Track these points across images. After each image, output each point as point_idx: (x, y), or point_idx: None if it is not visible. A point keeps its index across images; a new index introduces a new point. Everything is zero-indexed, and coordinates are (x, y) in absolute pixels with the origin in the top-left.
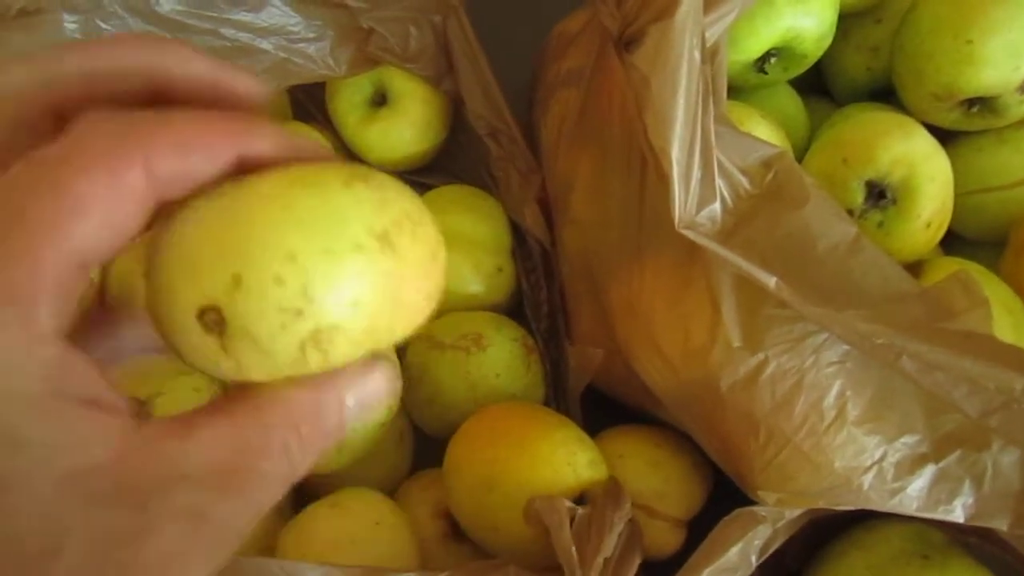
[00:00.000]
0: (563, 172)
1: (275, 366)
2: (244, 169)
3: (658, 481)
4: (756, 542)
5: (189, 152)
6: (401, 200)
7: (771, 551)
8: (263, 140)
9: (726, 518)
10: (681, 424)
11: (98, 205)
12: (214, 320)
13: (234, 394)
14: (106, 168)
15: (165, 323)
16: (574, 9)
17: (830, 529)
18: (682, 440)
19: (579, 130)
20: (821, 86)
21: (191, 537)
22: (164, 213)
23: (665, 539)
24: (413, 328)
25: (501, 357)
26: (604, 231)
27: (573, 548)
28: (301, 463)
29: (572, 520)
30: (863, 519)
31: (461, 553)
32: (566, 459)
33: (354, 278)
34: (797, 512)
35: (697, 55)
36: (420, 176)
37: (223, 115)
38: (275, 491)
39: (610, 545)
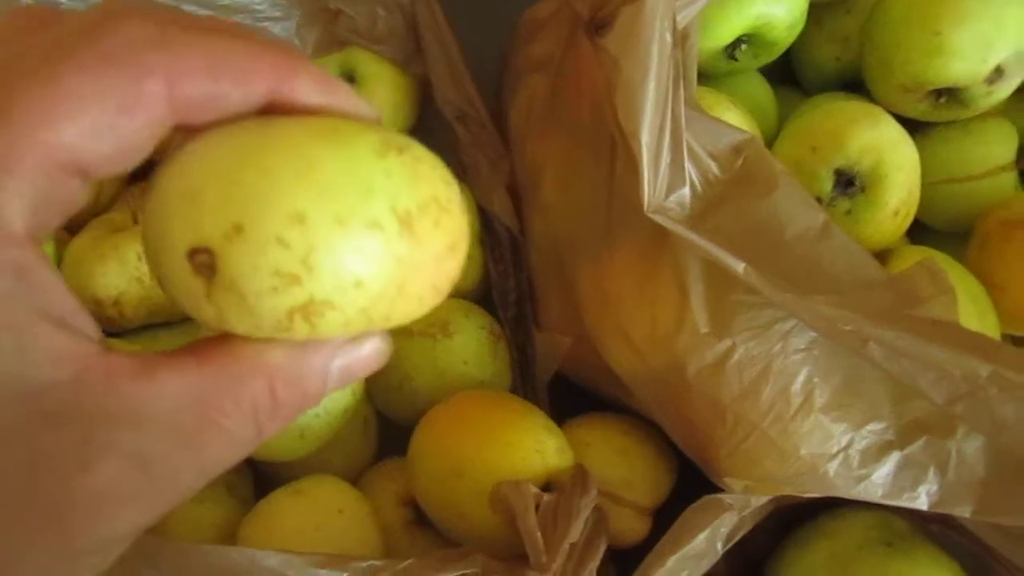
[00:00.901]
0: (532, 158)
1: (257, 326)
2: (276, 110)
3: (625, 469)
4: (722, 529)
5: (221, 76)
6: (433, 181)
7: (737, 538)
8: (305, 82)
9: (692, 505)
10: (648, 412)
11: (96, 107)
12: (204, 263)
13: (211, 341)
14: (118, 69)
15: (155, 251)
16: None
17: (795, 517)
18: (649, 428)
19: (548, 116)
20: (790, 75)
21: (130, 481)
22: (181, 139)
23: (631, 527)
24: (413, 319)
25: (468, 344)
26: (573, 217)
27: (539, 533)
28: (268, 426)
29: (538, 506)
30: (828, 507)
31: (425, 540)
32: (534, 447)
33: (363, 256)
34: (763, 500)
35: (668, 38)
36: None
37: (268, 44)
38: (235, 452)
39: (576, 530)
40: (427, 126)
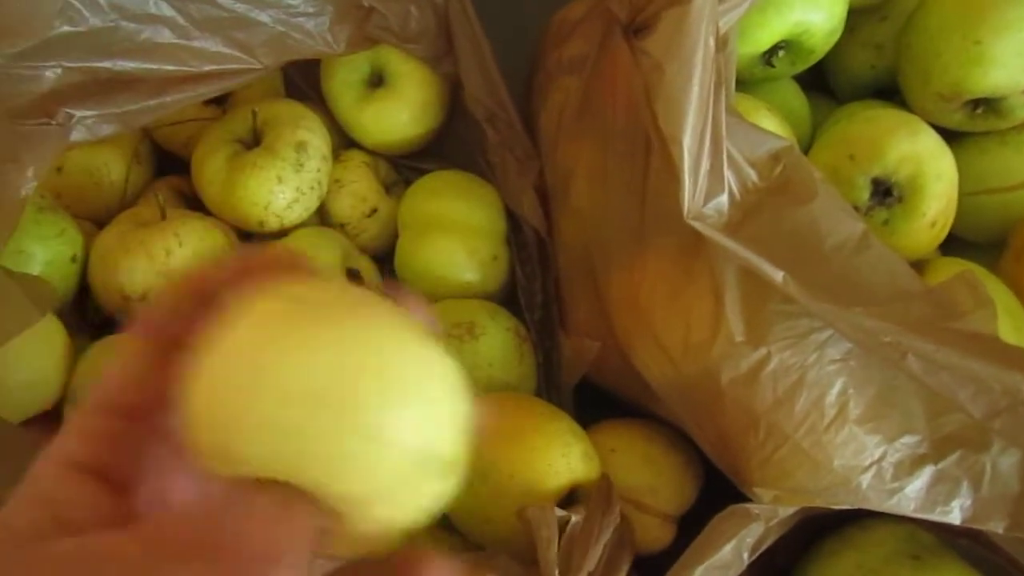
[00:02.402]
0: (563, 161)
1: None
2: None
3: (650, 476)
4: (748, 539)
5: None
6: None
7: (763, 548)
8: None
9: (719, 515)
10: (677, 418)
11: None
12: None
13: None
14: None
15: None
16: None
17: (821, 527)
18: (674, 435)
19: (580, 118)
20: (823, 83)
21: None
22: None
23: (655, 535)
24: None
25: (495, 346)
26: (605, 221)
27: (556, 570)
28: None
29: (562, 530)
30: (854, 518)
31: (449, 544)
32: (560, 451)
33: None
34: (790, 510)
35: (712, 43)
36: (415, 160)
37: None
38: None
39: (594, 559)
40: (455, 126)
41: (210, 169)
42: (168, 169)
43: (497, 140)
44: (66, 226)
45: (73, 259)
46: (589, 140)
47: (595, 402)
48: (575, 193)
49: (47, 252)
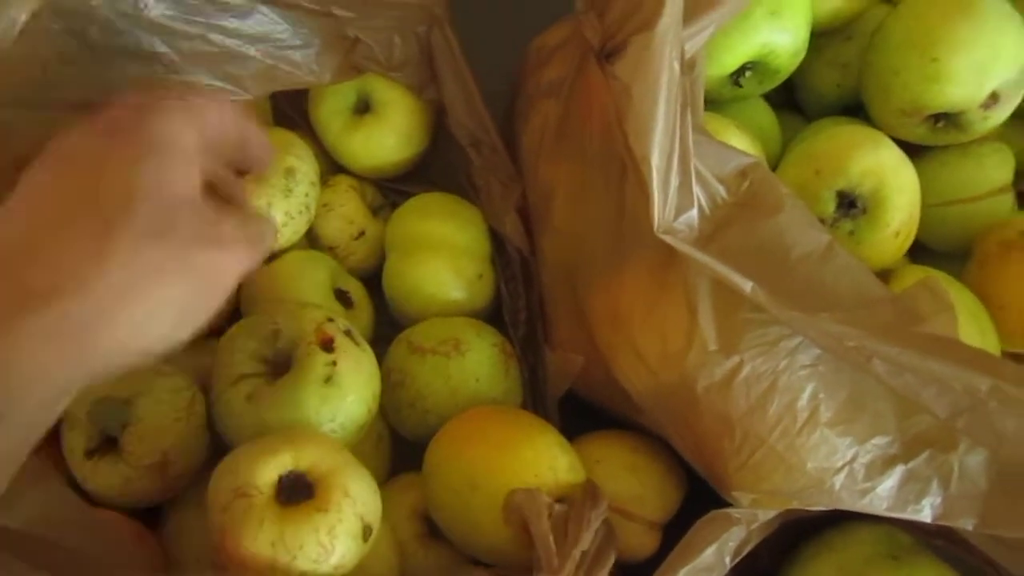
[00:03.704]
0: (543, 182)
1: None
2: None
3: (634, 485)
4: (730, 543)
5: None
6: None
7: (745, 552)
8: None
9: (701, 520)
10: (658, 428)
11: None
12: None
13: None
14: None
15: None
16: (555, 22)
17: (802, 531)
18: (657, 444)
19: (559, 141)
20: (793, 101)
21: None
22: None
23: (641, 541)
24: None
25: (480, 362)
26: (584, 239)
27: (551, 537)
28: None
29: (550, 515)
30: (835, 521)
31: (440, 553)
32: (547, 463)
33: None
34: (770, 514)
35: (677, 66)
36: (401, 184)
37: None
38: None
39: (587, 539)
40: (440, 150)
41: None
42: None
43: (481, 163)
44: None
45: None
46: (568, 162)
47: (580, 413)
48: (556, 213)
49: None
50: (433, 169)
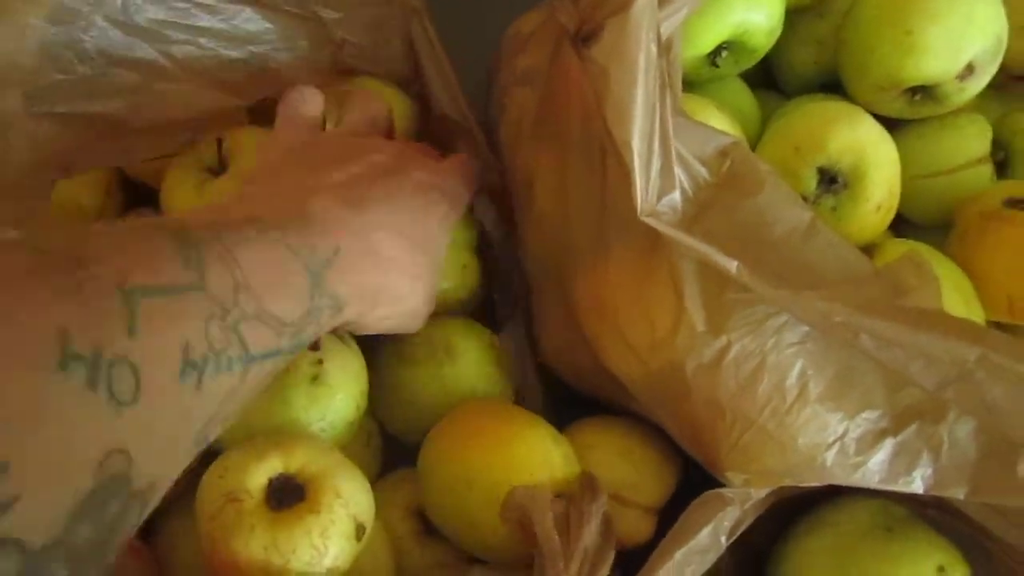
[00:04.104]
0: (524, 170)
1: None
2: None
3: (629, 470)
4: (725, 523)
5: None
6: None
7: (740, 531)
8: None
9: (695, 501)
10: (651, 414)
11: None
12: None
13: None
14: None
15: None
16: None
17: (796, 508)
18: (651, 429)
19: (537, 128)
20: (771, 80)
21: None
22: None
23: (636, 527)
24: None
25: (475, 363)
26: (567, 226)
27: (556, 536)
28: None
29: (553, 511)
30: (829, 497)
31: (435, 550)
32: (542, 458)
33: None
34: (764, 493)
35: (654, 48)
36: None
37: None
38: None
39: (590, 535)
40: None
41: (179, 199)
42: (139, 197)
43: (468, 150)
44: None
45: None
46: (547, 149)
47: (570, 402)
48: (538, 200)
49: None
50: None
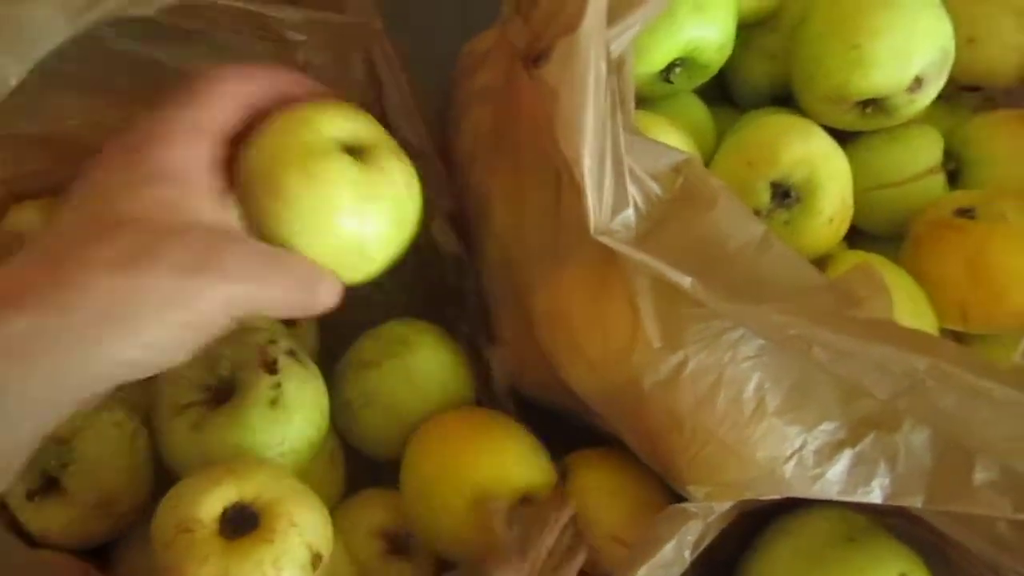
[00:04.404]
0: (479, 187)
1: None
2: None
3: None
4: (689, 537)
5: None
6: None
7: (704, 545)
8: None
9: (658, 515)
10: (609, 427)
11: None
12: None
13: None
14: None
15: None
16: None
17: (759, 520)
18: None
19: (493, 146)
20: (725, 94)
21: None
22: None
23: None
24: None
25: (430, 351)
26: (524, 242)
27: (514, 537)
28: None
29: (514, 515)
30: (791, 507)
31: (402, 569)
32: (515, 460)
33: None
34: (726, 505)
35: (603, 66)
36: None
37: None
38: None
39: (550, 538)
40: None
41: None
42: None
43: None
44: None
45: None
46: (503, 166)
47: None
48: (495, 217)
49: None
50: None
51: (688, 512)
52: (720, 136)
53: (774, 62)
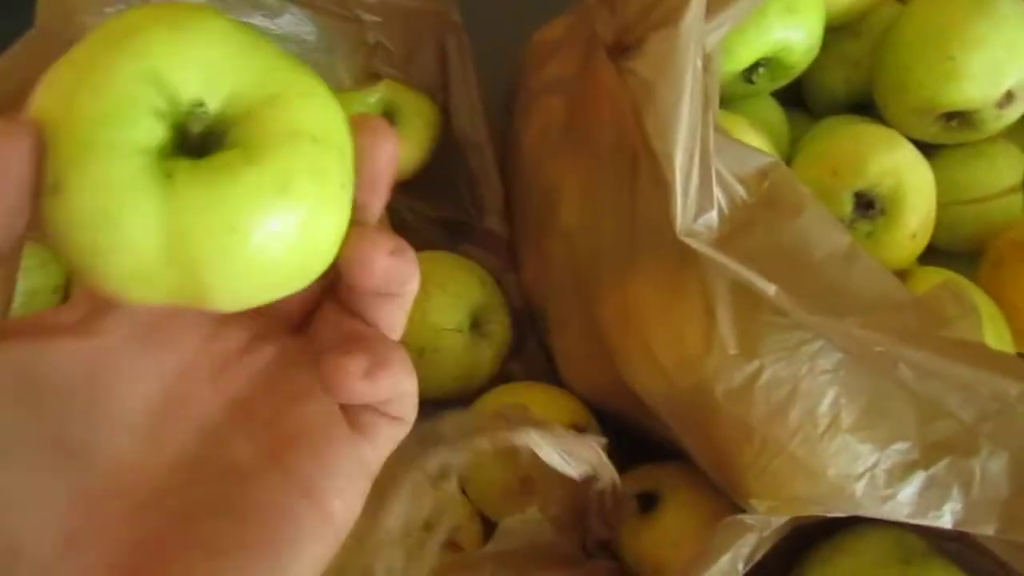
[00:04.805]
0: (548, 180)
1: None
2: None
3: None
4: (744, 550)
5: None
6: None
7: (757, 558)
8: None
9: (715, 527)
10: (671, 433)
11: None
12: None
13: None
14: None
15: None
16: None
17: (811, 535)
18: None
19: (566, 138)
20: (799, 97)
21: None
22: None
23: None
24: None
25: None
26: (595, 240)
27: None
28: None
29: None
30: (844, 525)
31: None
32: None
33: None
34: (783, 519)
35: (699, 63)
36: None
37: None
38: None
39: None
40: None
41: None
42: None
43: (478, 170)
44: (48, 258)
45: (55, 290)
46: (575, 159)
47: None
48: (563, 212)
49: (28, 282)
50: (432, 172)
51: (745, 524)
52: (793, 142)
53: (854, 68)
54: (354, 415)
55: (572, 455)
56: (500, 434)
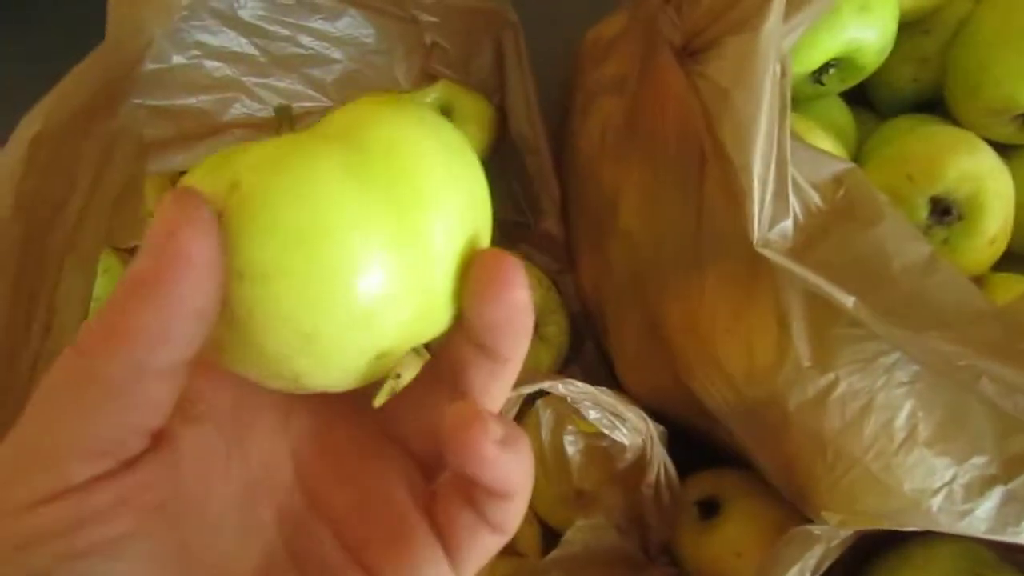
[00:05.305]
0: (608, 183)
1: None
2: None
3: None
4: (811, 561)
5: None
6: None
7: (823, 569)
8: None
9: (783, 538)
10: (737, 442)
11: None
12: None
13: None
14: None
15: None
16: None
17: (876, 545)
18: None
19: (627, 140)
20: (863, 96)
21: None
22: None
23: None
24: None
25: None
26: (658, 244)
27: None
28: None
29: None
30: (912, 536)
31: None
32: None
33: None
34: (850, 531)
35: (778, 69)
36: None
37: None
38: None
39: None
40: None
41: None
42: None
43: (535, 171)
44: (111, 264)
45: None
46: (638, 161)
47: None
48: (623, 215)
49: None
50: (488, 172)
51: (812, 535)
52: (860, 142)
53: (923, 66)
54: (452, 514)
55: (622, 421)
56: (550, 383)
